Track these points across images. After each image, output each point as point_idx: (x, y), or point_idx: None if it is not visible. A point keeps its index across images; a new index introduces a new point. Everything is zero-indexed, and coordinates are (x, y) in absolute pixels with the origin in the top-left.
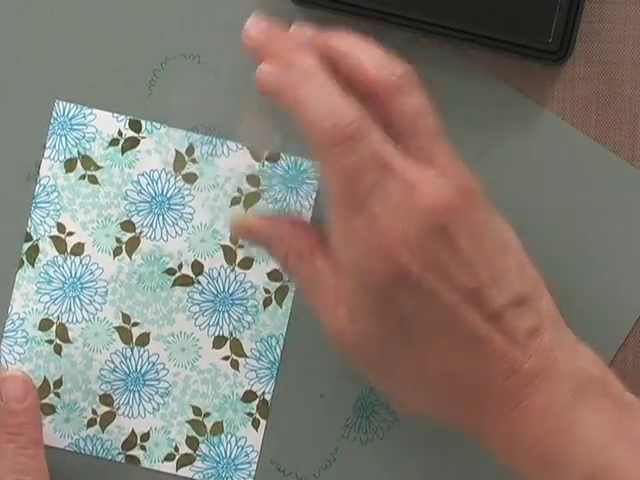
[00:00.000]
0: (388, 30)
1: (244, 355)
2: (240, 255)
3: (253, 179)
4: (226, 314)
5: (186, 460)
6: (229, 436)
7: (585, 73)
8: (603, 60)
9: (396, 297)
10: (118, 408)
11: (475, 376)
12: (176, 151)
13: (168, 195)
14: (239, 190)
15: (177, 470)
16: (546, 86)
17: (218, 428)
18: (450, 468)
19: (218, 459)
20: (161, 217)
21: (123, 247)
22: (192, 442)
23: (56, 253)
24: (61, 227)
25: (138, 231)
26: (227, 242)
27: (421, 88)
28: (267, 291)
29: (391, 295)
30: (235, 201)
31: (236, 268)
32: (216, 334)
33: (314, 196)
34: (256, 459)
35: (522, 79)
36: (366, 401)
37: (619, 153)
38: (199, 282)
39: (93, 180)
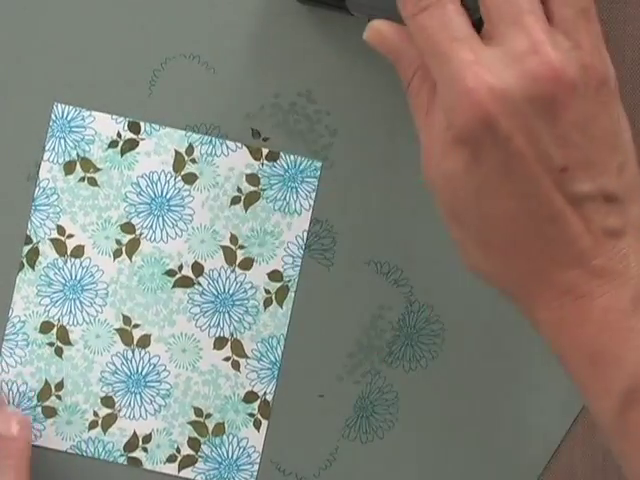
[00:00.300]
0: None
1: (245, 356)
2: (240, 256)
3: (253, 178)
4: (227, 315)
5: (188, 461)
6: (231, 437)
7: None
8: None
9: (483, 149)
10: (119, 410)
11: (541, 254)
12: (175, 151)
13: (168, 196)
14: (239, 189)
15: (179, 472)
16: None
17: (220, 429)
18: (450, 468)
19: (220, 460)
20: (161, 218)
21: (123, 249)
22: (194, 443)
23: (56, 255)
24: (61, 229)
25: (138, 233)
26: (227, 243)
27: None
28: (267, 291)
29: (479, 146)
30: (235, 200)
31: (236, 269)
32: (217, 335)
33: (314, 196)
34: (258, 460)
35: None
36: (366, 401)
37: None
38: (199, 283)
39: (92, 182)
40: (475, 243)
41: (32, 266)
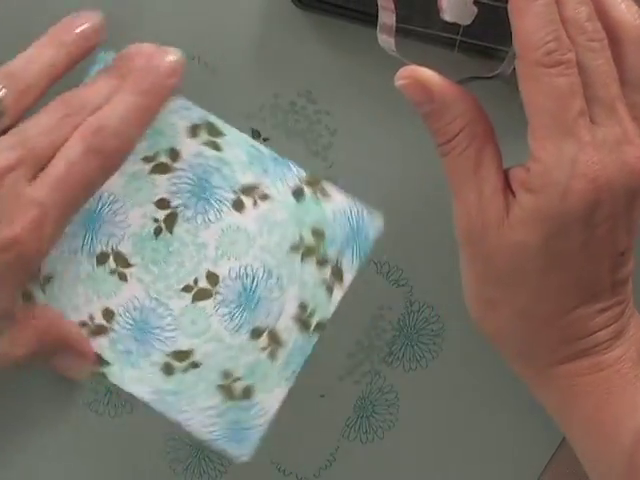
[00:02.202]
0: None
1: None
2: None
3: (317, 232)
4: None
5: None
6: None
7: None
8: None
9: (572, 229)
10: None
11: (574, 323)
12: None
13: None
14: (301, 237)
15: None
16: None
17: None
18: (450, 468)
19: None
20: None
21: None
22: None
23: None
24: None
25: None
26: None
27: None
28: None
29: (570, 225)
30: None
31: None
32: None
33: (363, 259)
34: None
35: None
36: (366, 401)
37: None
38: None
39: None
40: (513, 310)
41: None
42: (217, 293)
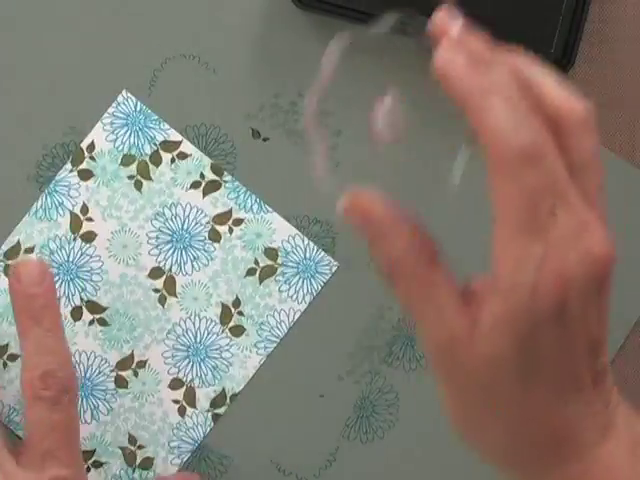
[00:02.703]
0: (390, 36)
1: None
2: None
3: (271, 252)
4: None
5: None
6: None
7: (585, 73)
8: (603, 60)
9: (545, 329)
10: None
11: (563, 426)
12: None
13: (191, 234)
14: (256, 262)
15: None
16: None
17: None
18: (450, 468)
19: None
20: (181, 252)
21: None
22: None
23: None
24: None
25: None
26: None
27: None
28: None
29: (543, 326)
30: (250, 272)
31: (227, 331)
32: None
33: (316, 293)
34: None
35: None
36: (366, 401)
37: (619, 153)
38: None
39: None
40: (501, 426)
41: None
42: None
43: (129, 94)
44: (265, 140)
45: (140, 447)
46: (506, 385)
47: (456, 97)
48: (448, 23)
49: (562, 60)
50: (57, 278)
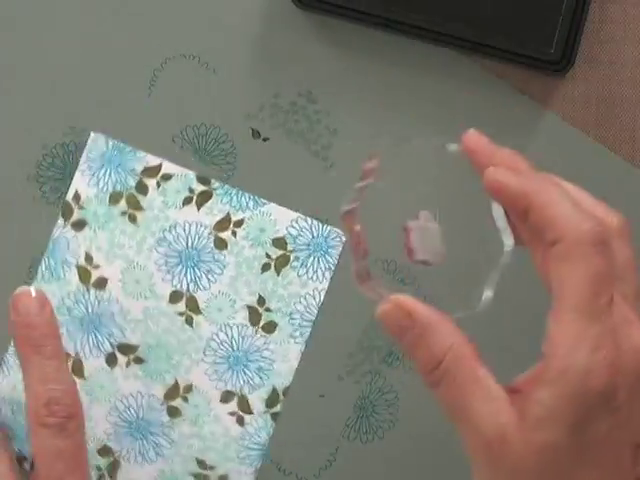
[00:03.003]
0: (391, 36)
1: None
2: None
3: (280, 242)
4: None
5: None
6: None
7: (585, 73)
8: (603, 60)
9: (599, 415)
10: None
11: None
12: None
13: (199, 250)
14: (268, 256)
15: None
16: (546, 86)
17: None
18: (450, 468)
19: None
20: (191, 269)
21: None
22: None
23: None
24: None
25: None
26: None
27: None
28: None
29: (597, 411)
30: (266, 267)
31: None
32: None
33: (334, 267)
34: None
35: (522, 79)
36: (366, 401)
37: (619, 153)
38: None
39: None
40: None
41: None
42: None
43: (98, 134)
44: (265, 140)
45: (211, 468)
46: (556, 472)
47: (517, 201)
48: (482, 142)
49: (562, 60)
50: (82, 332)
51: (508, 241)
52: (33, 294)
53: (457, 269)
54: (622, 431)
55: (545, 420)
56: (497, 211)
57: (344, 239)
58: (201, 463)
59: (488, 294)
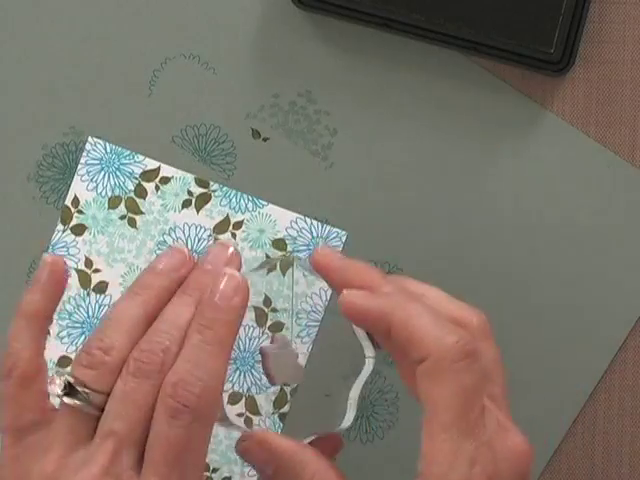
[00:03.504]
0: (391, 36)
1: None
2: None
3: (279, 243)
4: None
5: None
6: None
7: (585, 73)
8: (603, 60)
9: None
10: None
11: None
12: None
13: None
14: (268, 257)
15: None
16: (546, 86)
17: None
18: None
19: None
20: None
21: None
22: None
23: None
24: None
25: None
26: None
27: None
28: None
29: None
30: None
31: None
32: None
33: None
34: None
35: (522, 79)
36: (366, 401)
37: (619, 153)
38: None
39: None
40: None
41: None
42: None
43: (95, 139)
44: (265, 140)
45: (214, 470)
46: None
47: (376, 323)
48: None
49: (562, 60)
50: (83, 336)
51: (369, 352)
52: (237, 279)
53: (321, 385)
54: None
55: None
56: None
57: (344, 239)
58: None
59: (350, 414)
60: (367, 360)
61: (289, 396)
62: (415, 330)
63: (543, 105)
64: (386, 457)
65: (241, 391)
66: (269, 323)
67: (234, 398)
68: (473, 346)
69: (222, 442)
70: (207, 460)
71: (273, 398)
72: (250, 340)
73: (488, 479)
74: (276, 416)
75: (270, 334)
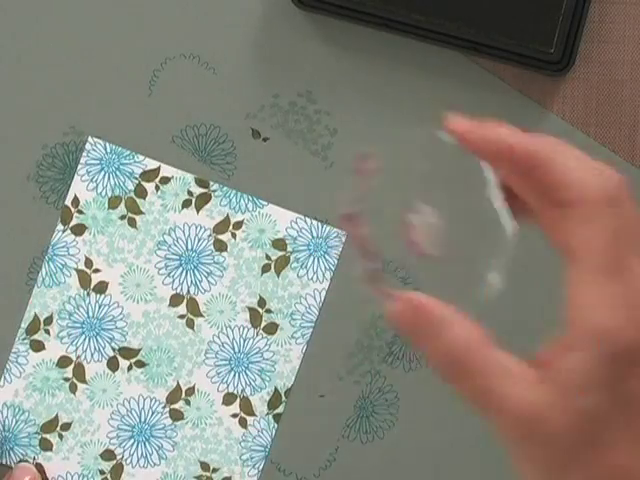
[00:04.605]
0: (391, 36)
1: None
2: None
3: (279, 243)
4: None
5: None
6: None
7: (585, 73)
8: (603, 60)
9: (630, 371)
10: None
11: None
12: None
13: (199, 252)
14: (268, 257)
15: None
16: (546, 86)
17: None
18: (450, 468)
19: None
20: (192, 272)
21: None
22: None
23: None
24: (89, 262)
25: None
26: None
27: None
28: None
29: (628, 367)
30: (265, 269)
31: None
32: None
33: (334, 267)
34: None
35: (522, 79)
36: (366, 401)
37: (619, 153)
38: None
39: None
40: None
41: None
42: None
43: (95, 139)
44: (265, 140)
45: (215, 470)
46: (597, 437)
47: (523, 161)
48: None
49: (562, 60)
50: (84, 336)
51: (509, 224)
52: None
53: (460, 262)
54: None
55: (580, 387)
56: (493, 193)
57: (344, 239)
58: (204, 465)
59: (494, 281)
60: (508, 234)
61: (284, 397)
62: (565, 170)
63: (543, 105)
64: (386, 457)
65: (235, 392)
66: (263, 324)
67: (228, 399)
68: (622, 193)
69: (222, 442)
70: (207, 460)
71: (267, 399)
72: (244, 341)
73: (636, 322)
74: (271, 417)
75: (265, 335)
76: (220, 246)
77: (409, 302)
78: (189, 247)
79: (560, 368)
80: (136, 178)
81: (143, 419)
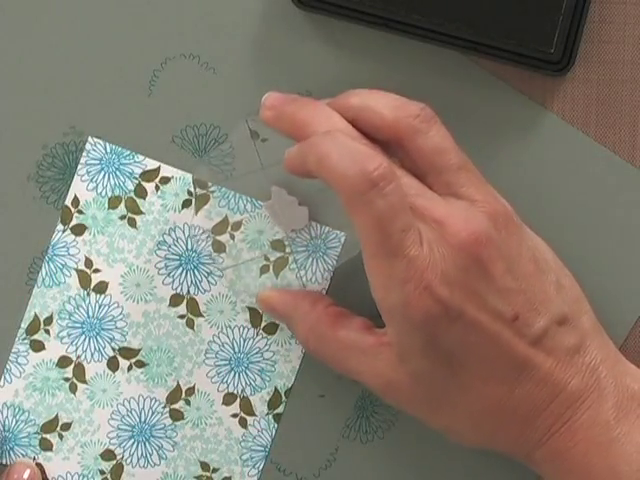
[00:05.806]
0: (391, 36)
1: (253, 414)
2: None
3: (278, 244)
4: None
5: None
6: None
7: (585, 73)
8: (603, 60)
9: (441, 331)
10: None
11: (520, 402)
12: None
13: (198, 253)
14: (266, 258)
15: None
16: (546, 86)
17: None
18: (450, 468)
19: None
20: (191, 272)
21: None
22: None
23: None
24: (88, 262)
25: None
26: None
27: (439, 123)
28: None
29: (437, 330)
30: (264, 270)
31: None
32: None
33: (333, 268)
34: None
35: (522, 79)
36: (366, 401)
37: (619, 153)
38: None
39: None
40: (461, 421)
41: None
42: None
43: (95, 139)
44: (264, 141)
45: (215, 470)
46: (441, 389)
47: (308, 168)
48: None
49: (562, 60)
50: (84, 336)
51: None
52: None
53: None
54: (484, 324)
55: (402, 355)
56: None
57: (343, 240)
58: (204, 466)
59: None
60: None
61: (284, 397)
62: (325, 170)
63: (543, 105)
64: (386, 457)
65: (235, 392)
66: (263, 324)
67: (228, 399)
68: (383, 170)
69: (222, 442)
70: (207, 460)
71: (267, 399)
72: (245, 341)
73: (424, 290)
74: (271, 417)
75: (265, 335)
76: (219, 247)
77: (262, 302)
78: (189, 247)
79: (387, 342)
80: (136, 178)
81: (143, 419)
